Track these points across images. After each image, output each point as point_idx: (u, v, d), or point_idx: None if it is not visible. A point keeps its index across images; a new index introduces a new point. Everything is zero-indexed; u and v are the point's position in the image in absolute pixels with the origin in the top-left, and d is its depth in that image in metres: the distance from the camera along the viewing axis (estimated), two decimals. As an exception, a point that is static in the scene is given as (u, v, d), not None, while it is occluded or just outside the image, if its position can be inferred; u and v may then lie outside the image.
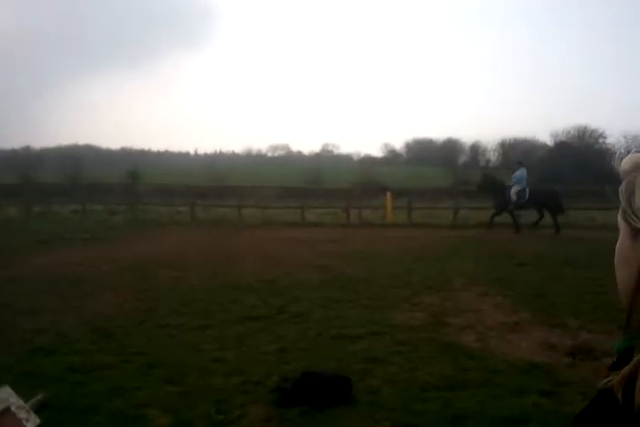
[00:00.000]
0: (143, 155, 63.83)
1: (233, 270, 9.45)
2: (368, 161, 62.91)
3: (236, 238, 14.07)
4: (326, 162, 61.96)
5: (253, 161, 70.86)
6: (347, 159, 72.06)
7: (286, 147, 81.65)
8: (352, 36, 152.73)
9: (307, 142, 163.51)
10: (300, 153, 78.03)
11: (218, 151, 79.02)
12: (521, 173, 16.40)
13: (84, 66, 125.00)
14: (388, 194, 18.84)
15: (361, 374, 4.51)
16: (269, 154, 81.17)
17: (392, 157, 69.90)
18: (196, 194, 21.14)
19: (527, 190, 15.95)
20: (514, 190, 15.99)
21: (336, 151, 79.03)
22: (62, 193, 22.80)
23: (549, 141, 53.34)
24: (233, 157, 76.73)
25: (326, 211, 20.06)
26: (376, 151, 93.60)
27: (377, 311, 6.61)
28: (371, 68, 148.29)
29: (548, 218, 15.78)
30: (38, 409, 3.50)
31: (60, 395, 4.06)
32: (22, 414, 3.21)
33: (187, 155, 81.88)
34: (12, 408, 3.19)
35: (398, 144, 79.76)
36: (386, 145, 72.78)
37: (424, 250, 11.86)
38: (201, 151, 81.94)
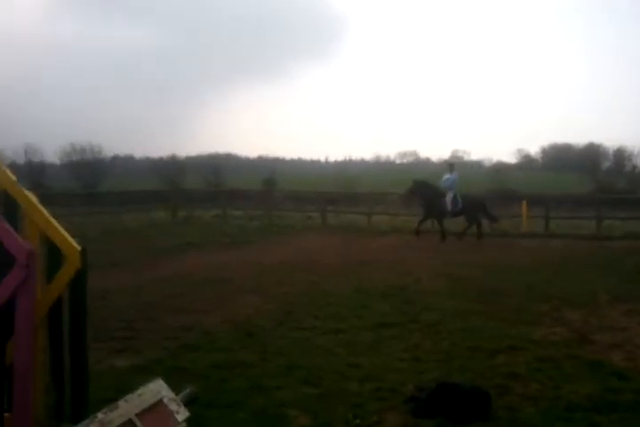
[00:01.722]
0: (278, 162, 66.08)
1: (364, 276, 9.54)
2: (500, 167, 60.70)
3: (366, 245, 14.16)
4: (456, 168, 60.69)
5: (382, 168, 70.91)
6: (477, 166, 70.09)
7: (415, 153, 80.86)
8: (480, 39, 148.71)
9: (436, 149, 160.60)
10: (428, 160, 76.98)
11: (347, 158, 79.92)
12: (453, 177, 15.36)
13: (224, 79, 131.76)
14: (524, 202, 18.08)
15: (500, 389, 4.38)
16: (398, 161, 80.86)
17: (526, 163, 66.95)
18: (327, 200, 21.53)
19: (459, 198, 15.13)
20: (449, 198, 15.06)
21: (466, 157, 77.11)
22: (205, 199, 24.20)
23: None
24: (362, 163, 77.24)
25: (457, 219, 19.62)
26: (509, 157, 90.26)
27: (514, 325, 6.38)
28: (502, 71, 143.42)
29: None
30: (187, 403, 3.75)
31: (205, 390, 4.31)
32: (173, 407, 3.46)
33: (318, 162, 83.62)
34: (165, 400, 3.45)
35: (533, 149, 76.41)
36: (519, 150, 69.84)
37: (564, 262, 11.27)
38: (331, 159, 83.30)
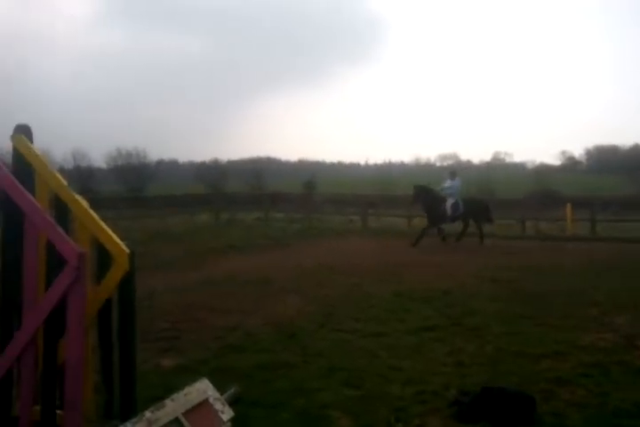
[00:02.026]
0: (318, 166, 66.51)
1: (405, 279, 9.50)
2: (544, 170, 59.54)
3: (407, 247, 14.09)
4: (498, 171, 59.80)
5: (422, 170, 70.40)
6: (520, 168, 69.06)
7: (455, 156, 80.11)
8: (522, 40, 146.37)
9: (477, 151, 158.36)
10: (469, 162, 76.14)
11: (387, 161, 79.62)
12: (455, 183, 15.20)
13: (264, 84, 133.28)
14: (569, 205, 17.72)
15: (545, 394, 4.31)
16: (438, 163, 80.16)
17: (570, 165, 65.62)
18: (367, 203, 21.52)
19: (460, 202, 14.92)
20: (449, 204, 14.86)
21: (508, 159, 76.08)
22: (247, 202, 24.51)
23: None
24: (402, 166, 76.90)
25: (499, 222, 19.37)
26: (552, 159, 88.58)
27: (560, 330, 6.26)
28: (544, 71, 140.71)
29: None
30: (231, 402, 3.80)
31: (249, 390, 4.36)
32: (218, 406, 3.51)
33: (357, 165, 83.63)
34: (210, 400, 3.50)
35: (577, 151, 74.84)
36: (563, 152, 68.45)
37: (612, 266, 10.97)
38: (371, 162, 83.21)
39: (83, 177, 38.76)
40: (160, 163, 49.30)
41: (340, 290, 8.56)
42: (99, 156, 46.71)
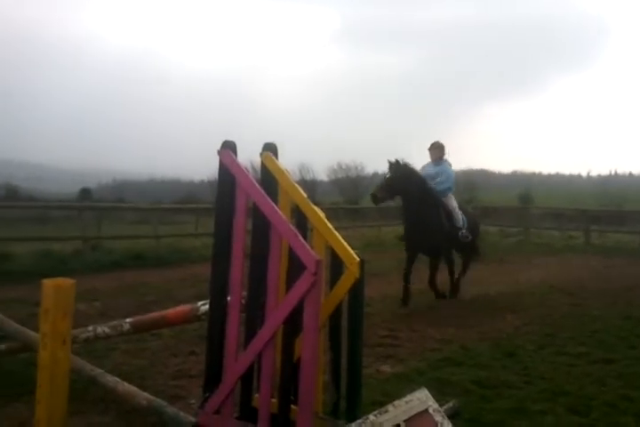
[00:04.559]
0: (533, 178, 63.47)
1: (636, 303, 8.69)
2: None
3: (638, 268, 12.82)
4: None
5: (655, 183, 63.38)
6: None
7: (699, 166, 70.69)
8: None
9: None
10: None
11: (612, 173, 73.13)
12: (446, 169, 8.43)
13: (477, 94, 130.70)
14: None
15: None
16: (673, 174, 71.49)
17: None
18: (590, 218, 20.07)
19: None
20: (453, 206, 8.37)
21: None
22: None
23: None
24: (630, 178, 70.08)
25: None
26: None
27: None
28: None
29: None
30: (450, 416, 3.79)
31: (467, 406, 4.29)
32: (438, 418, 3.53)
33: (578, 177, 78.20)
34: (430, 410, 3.54)
35: None
36: None
37: None
38: (593, 173, 77.18)
39: (307, 189, 41.48)
40: (375, 175, 50.83)
41: (560, 310, 8.11)
42: (321, 169, 49.53)
